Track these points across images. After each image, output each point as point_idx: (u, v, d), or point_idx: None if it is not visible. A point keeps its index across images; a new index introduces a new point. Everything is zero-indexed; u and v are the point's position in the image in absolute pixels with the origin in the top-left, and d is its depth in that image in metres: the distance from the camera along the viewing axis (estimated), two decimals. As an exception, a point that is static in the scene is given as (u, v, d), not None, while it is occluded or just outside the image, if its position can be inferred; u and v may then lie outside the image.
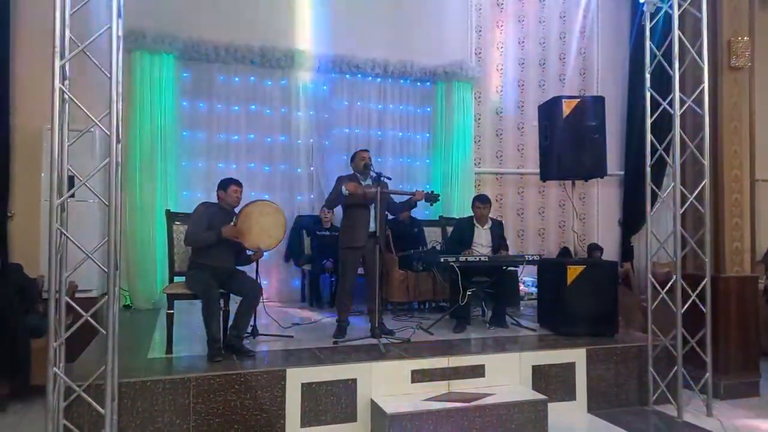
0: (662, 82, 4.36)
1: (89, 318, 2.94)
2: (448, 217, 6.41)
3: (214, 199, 4.30)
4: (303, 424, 3.51)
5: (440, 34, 7.07)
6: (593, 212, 7.74)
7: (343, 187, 4.35)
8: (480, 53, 7.31)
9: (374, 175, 4.40)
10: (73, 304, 2.92)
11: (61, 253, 2.86)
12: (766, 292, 5.27)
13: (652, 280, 4.24)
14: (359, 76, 6.82)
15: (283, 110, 6.59)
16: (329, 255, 6.01)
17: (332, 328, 4.60)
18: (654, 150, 4.29)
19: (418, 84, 7.07)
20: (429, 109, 7.15)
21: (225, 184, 4.22)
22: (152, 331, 4.70)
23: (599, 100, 4.88)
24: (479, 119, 7.28)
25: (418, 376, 3.79)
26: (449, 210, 6.68)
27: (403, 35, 6.83)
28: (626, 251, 7.63)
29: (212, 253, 4.03)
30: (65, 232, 2.85)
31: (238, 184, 4.25)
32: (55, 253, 2.82)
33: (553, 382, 4.08)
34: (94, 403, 2.90)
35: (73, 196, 2.98)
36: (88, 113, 2.86)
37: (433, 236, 6.25)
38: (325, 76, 6.70)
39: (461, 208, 6.73)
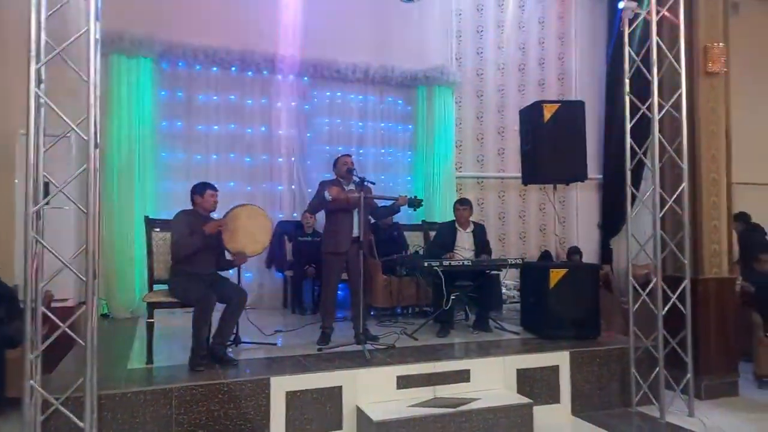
0: (641, 87, 4.42)
1: (67, 329, 2.85)
2: (430, 221, 6.42)
3: (191, 205, 4.21)
4: (288, 433, 3.46)
5: (421, 39, 7.08)
6: (572, 215, 7.83)
7: (326, 192, 4.32)
8: (460, 58, 7.34)
9: (357, 179, 4.37)
10: (50, 315, 2.83)
11: (37, 261, 2.78)
12: (742, 294, 5.36)
13: (633, 282, 4.28)
14: (339, 90, 6.84)
15: (263, 128, 6.57)
16: (311, 260, 5.97)
17: (315, 334, 4.55)
18: (633, 154, 4.34)
19: (400, 90, 7.09)
20: (410, 123, 7.18)
21: (201, 189, 4.12)
22: (131, 341, 4.61)
23: (579, 105, 4.94)
24: (460, 124, 7.31)
25: (404, 382, 3.77)
26: (431, 215, 6.68)
27: (384, 40, 6.84)
28: (605, 254, 7.72)
29: (196, 259, 3.95)
30: (41, 241, 2.77)
31: (214, 188, 4.17)
32: (31, 261, 2.73)
33: (537, 386, 4.09)
34: (73, 417, 2.82)
35: (47, 203, 2.90)
36: (65, 118, 2.79)
37: (415, 240, 6.25)
38: (305, 81, 6.67)
39: (443, 213, 6.74)
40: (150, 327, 3.87)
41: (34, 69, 2.72)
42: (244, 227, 4.08)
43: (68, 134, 2.94)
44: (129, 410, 3.17)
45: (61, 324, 2.83)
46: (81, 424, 2.81)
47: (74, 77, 2.86)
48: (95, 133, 2.81)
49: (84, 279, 2.78)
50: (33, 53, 2.73)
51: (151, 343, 3.86)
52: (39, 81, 2.77)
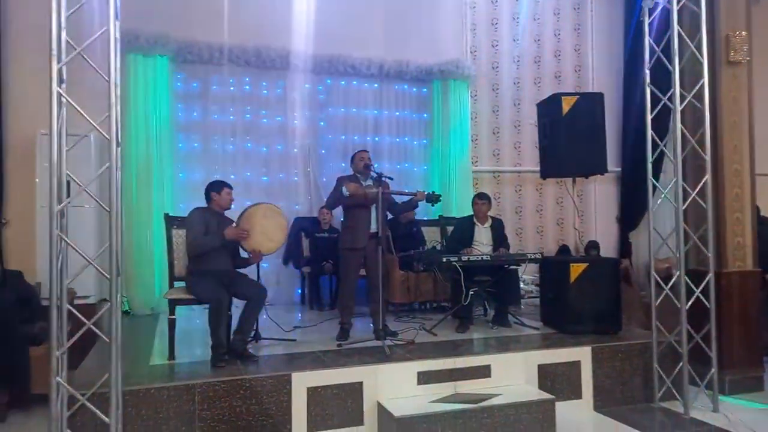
0: (661, 78, 4.36)
1: (92, 326, 2.88)
2: (447, 216, 6.39)
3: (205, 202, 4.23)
4: (310, 429, 3.47)
5: (435, 33, 7.07)
6: (591, 209, 7.76)
7: (344, 188, 4.31)
8: (475, 52, 7.30)
9: (375, 175, 4.36)
10: (76, 312, 2.85)
11: (61, 259, 2.80)
12: (765, 286, 5.27)
13: (656, 276, 4.23)
14: (354, 79, 6.81)
15: (279, 118, 6.58)
16: (328, 256, 5.98)
17: (334, 330, 4.56)
18: (654, 146, 4.28)
19: (414, 84, 7.06)
20: (426, 112, 7.15)
21: (218, 186, 4.15)
22: (152, 337, 4.65)
23: (598, 97, 4.88)
24: (476, 118, 7.27)
25: (425, 377, 3.76)
26: (448, 210, 6.65)
27: (398, 35, 6.82)
28: (624, 248, 7.64)
29: (211, 257, 3.97)
30: (66, 239, 2.79)
31: (230, 186, 4.21)
32: (56, 259, 2.76)
33: (558, 381, 4.06)
34: (99, 412, 2.84)
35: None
36: (87, 117, 2.80)
37: (432, 236, 6.23)
38: (320, 77, 6.68)
39: (460, 208, 6.71)
40: (171, 323, 3.89)
41: (55, 68, 2.73)
42: (259, 225, 4.09)
43: (89, 133, 2.96)
44: (153, 406, 3.20)
45: (86, 321, 2.86)
46: (107, 420, 2.83)
47: (92, 77, 2.88)
48: (117, 132, 2.81)
49: (108, 276, 2.80)
50: (54, 53, 2.74)
51: (172, 340, 3.89)
52: (60, 80, 2.78)
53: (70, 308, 2.87)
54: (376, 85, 6.93)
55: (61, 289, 2.79)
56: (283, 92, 6.58)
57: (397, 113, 7.05)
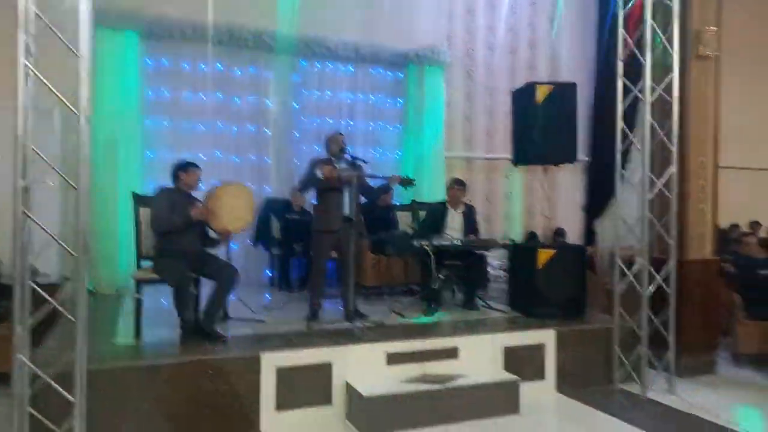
0: (632, 70, 4.44)
1: (56, 305, 2.82)
2: (420, 201, 6.42)
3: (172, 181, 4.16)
4: (279, 408, 3.49)
5: (412, 18, 7.02)
6: (557, 197, 7.88)
7: (318, 171, 4.29)
8: (451, 38, 7.29)
9: (349, 158, 4.34)
10: (40, 291, 2.79)
11: (25, 237, 2.73)
12: (721, 275, 5.48)
13: (620, 263, 4.35)
14: (330, 62, 6.75)
15: (251, 98, 6.49)
16: (299, 238, 5.96)
17: (303, 311, 4.56)
18: (623, 137, 4.37)
19: (390, 68, 7.03)
20: (400, 97, 7.15)
21: (185, 167, 4.11)
22: (117, 317, 4.57)
23: (572, 87, 4.94)
24: (450, 104, 7.29)
25: (393, 358, 3.80)
26: (420, 194, 6.67)
27: (375, 19, 6.75)
28: (589, 236, 7.81)
29: (179, 237, 3.91)
30: (31, 216, 2.72)
31: (198, 166, 4.16)
32: (19, 236, 2.69)
33: (523, 363, 4.15)
34: (63, 391, 2.80)
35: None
36: (55, 92, 2.71)
37: (404, 220, 6.25)
38: (295, 59, 6.60)
39: (432, 193, 6.75)
40: (138, 303, 3.84)
41: (22, 40, 2.64)
42: (227, 206, 4.04)
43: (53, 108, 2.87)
44: (119, 386, 3.17)
45: (50, 299, 2.80)
46: (71, 399, 2.79)
47: (58, 50, 2.78)
48: (86, 107, 2.74)
49: (74, 254, 2.74)
50: (21, 24, 2.64)
51: (139, 319, 3.84)
52: (28, 53, 2.68)
53: (34, 286, 2.81)
54: (351, 68, 6.88)
55: (24, 267, 2.73)
56: (256, 72, 6.48)
57: (372, 98, 7.02)
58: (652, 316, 4.29)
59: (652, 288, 4.26)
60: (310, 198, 4.93)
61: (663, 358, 4.33)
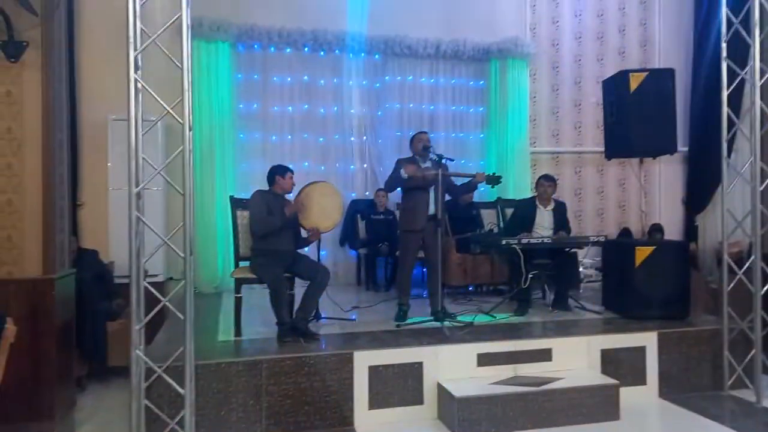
0: (737, 52, 4.13)
1: (167, 303, 3.02)
2: (505, 198, 6.29)
3: (267, 185, 4.33)
4: (371, 407, 3.54)
5: (493, 9, 6.91)
6: (655, 191, 7.47)
7: (402, 171, 4.32)
8: (535, 29, 7.10)
9: (434, 157, 4.33)
10: (152, 290, 3.00)
11: (139, 240, 2.94)
12: None
13: (729, 260, 4.05)
14: (409, 64, 6.79)
15: (335, 108, 6.63)
16: (384, 238, 6.03)
17: (391, 311, 4.61)
18: (729, 123, 4.07)
19: (472, 63, 6.94)
20: (482, 101, 7.07)
21: (282, 170, 4.26)
22: (217, 315, 4.83)
23: (668, 73, 4.65)
24: (535, 97, 7.10)
25: (484, 359, 3.76)
26: (505, 192, 6.54)
27: (454, 13, 6.71)
28: (690, 231, 7.34)
29: (275, 238, 4.08)
30: (144, 219, 2.92)
31: (292, 171, 4.31)
32: (134, 240, 2.90)
33: (622, 366, 3.97)
34: (174, 384, 2.99)
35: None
36: (162, 102, 2.91)
37: (489, 218, 6.15)
38: (376, 58, 6.67)
39: (517, 190, 6.61)
40: (237, 302, 4.04)
41: (132, 56, 2.85)
42: (317, 204, 4.16)
43: (160, 118, 3.08)
44: (223, 379, 3.34)
45: (161, 298, 3.00)
46: (181, 391, 2.98)
47: (158, 63, 2.97)
48: (189, 117, 2.91)
49: (182, 255, 2.92)
50: (131, 40, 2.85)
51: (239, 317, 4.03)
52: (136, 67, 2.89)
53: (147, 286, 3.02)
54: (432, 81, 6.90)
55: (139, 268, 2.94)
56: (339, 81, 6.60)
57: (453, 107, 6.98)
58: (766, 317, 3.96)
59: (766, 287, 3.93)
60: (395, 197, 4.97)
61: (779, 364, 3.99)
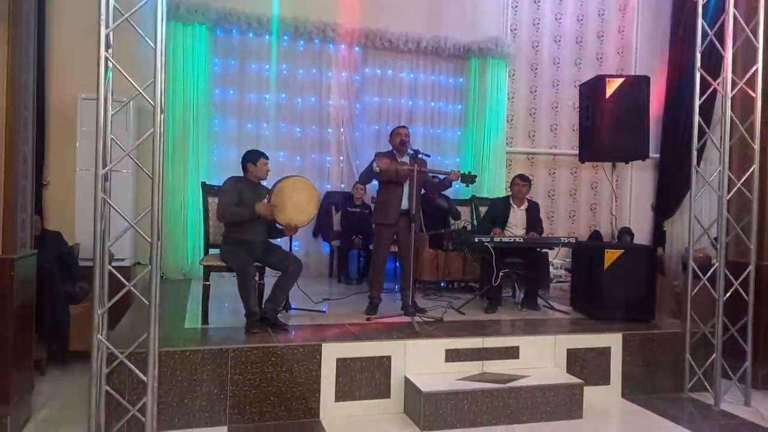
0: (710, 62, 4.21)
1: (132, 288, 2.95)
2: (480, 196, 6.33)
3: (242, 172, 4.25)
4: (338, 399, 3.52)
5: (475, 9, 6.95)
6: (626, 195, 7.61)
7: (374, 164, 4.29)
8: (515, 29, 7.14)
9: (411, 152, 4.32)
10: (117, 274, 2.93)
11: (104, 222, 2.87)
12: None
13: (694, 266, 4.14)
14: (392, 53, 6.76)
15: (313, 99, 6.57)
16: (359, 231, 6.01)
17: (362, 304, 4.59)
18: (700, 132, 4.15)
19: (451, 61, 6.96)
20: (460, 98, 7.09)
21: (255, 157, 4.15)
22: (185, 302, 4.75)
23: (644, 80, 4.73)
24: (512, 98, 7.15)
25: (452, 355, 3.77)
26: (480, 190, 6.59)
27: (437, 10, 6.71)
28: (658, 236, 7.50)
29: (247, 227, 4.01)
30: (110, 201, 2.85)
31: (266, 157, 4.21)
32: (100, 222, 2.82)
33: (587, 366, 4.03)
34: (137, 370, 2.93)
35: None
36: (133, 83, 2.83)
37: (463, 215, 6.18)
38: (356, 50, 6.63)
39: (492, 188, 6.66)
40: (206, 289, 3.97)
41: (104, 33, 2.76)
42: (290, 199, 4.08)
43: (131, 99, 3.00)
44: (188, 367, 3.28)
45: (126, 282, 2.93)
46: (144, 378, 2.92)
47: (134, 43, 2.90)
48: (161, 99, 2.84)
49: (149, 240, 2.86)
50: (103, 18, 2.76)
51: (206, 305, 3.97)
52: (108, 45, 2.81)
53: (111, 270, 2.95)
54: (411, 75, 6.89)
55: (104, 251, 2.86)
56: (318, 72, 6.56)
57: (432, 103, 6.98)
58: (728, 323, 4.06)
59: (728, 293, 4.02)
60: (372, 191, 4.95)
61: (737, 368, 4.09)
